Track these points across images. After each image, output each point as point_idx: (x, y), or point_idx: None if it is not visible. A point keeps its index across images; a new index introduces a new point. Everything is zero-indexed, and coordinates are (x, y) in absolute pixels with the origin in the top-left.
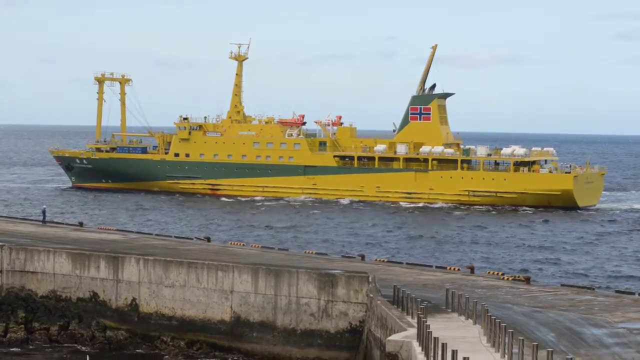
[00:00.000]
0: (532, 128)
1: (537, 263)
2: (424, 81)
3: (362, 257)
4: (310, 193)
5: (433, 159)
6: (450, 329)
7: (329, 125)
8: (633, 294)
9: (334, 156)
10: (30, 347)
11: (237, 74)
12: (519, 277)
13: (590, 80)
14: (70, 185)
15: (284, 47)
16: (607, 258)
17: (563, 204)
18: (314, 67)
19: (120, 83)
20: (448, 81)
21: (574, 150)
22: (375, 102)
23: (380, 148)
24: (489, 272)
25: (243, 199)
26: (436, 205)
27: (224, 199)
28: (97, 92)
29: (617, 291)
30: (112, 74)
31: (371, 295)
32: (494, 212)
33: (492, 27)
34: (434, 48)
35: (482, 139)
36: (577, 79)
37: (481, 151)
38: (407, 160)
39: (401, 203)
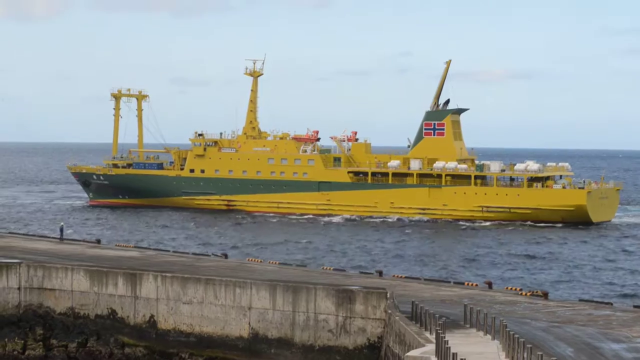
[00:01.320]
0: (548, 143)
1: (554, 278)
2: (438, 97)
3: (380, 273)
4: (324, 209)
5: (447, 175)
6: (469, 345)
7: (344, 141)
8: None
9: (348, 172)
10: None
11: (252, 90)
12: (537, 292)
13: (606, 94)
14: (87, 201)
15: (299, 63)
16: (625, 273)
17: (577, 220)
18: (330, 83)
19: (137, 99)
20: (463, 97)
21: (590, 165)
22: (390, 118)
23: (394, 164)
24: (507, 288)
25: (257, 215)
26: (451, 221)
27: (238, 215)
28: (114, 108)
29: (635, 306)
30: (129, 90)
31: (389, 311)
32: (510, 227)
33: (508, 43)
34: (448, 63)
35: (497, 155)
36: (592, 94)
37: (494, 167)
38: (421, 175)
39: (415, 218)
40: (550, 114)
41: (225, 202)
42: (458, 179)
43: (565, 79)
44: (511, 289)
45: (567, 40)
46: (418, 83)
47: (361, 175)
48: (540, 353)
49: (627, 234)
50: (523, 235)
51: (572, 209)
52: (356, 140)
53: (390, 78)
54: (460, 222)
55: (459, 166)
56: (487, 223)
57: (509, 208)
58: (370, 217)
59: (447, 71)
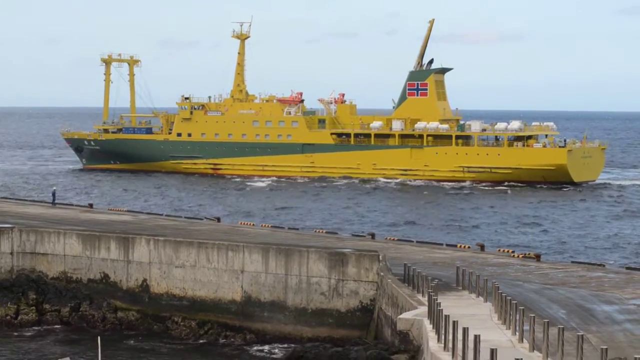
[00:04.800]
0: (537, 105)
1: (546, 240)
2: (421, 56)
3: (372, 236)
4: (308, 171)
5: (428, 135)
6: (461, 307)
7: (331, 103)
8: None
9: (331, 134)
10: (42, 328)
11: (239, 53)
12: (529, 254)
13: (597, 55)
14: (81, 167)
15: (287, 26)
16: (617, 234)
17: (558, 179)
18: (318, 45)
19: (128, 64)
20: (450, 58)
21: (577, 126)
22: (378, 80)
23: (376, 125)
24: (499, 250)
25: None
26: (433, 182)
27: (223, 178)
28: (104, 74)
29: (627, 267)
30: (119, 54)
31: (382, 274)
32: (496, 189)
33: (497, 4)
34: (431, 23)
35: (484, 116)
36: (581, 55)
37: (475, 126)
38: (403, 136)
39: (397, 180)
40: (539, 75)
41: (212, 166)
42: (440, 139)
43: (554, 40)
44: (504, 251)
45: (555, 1)
46: (406, 45)
47: (344, 136)
48: (532, 315)
49: (613, 195)
50: (512, 198)
51: (552, 168)
52: (343, 102)
53: (378, 40)
54: (443, 183)
55: (440, 126)
56: (467, 183)
57: (490, 168)
58: (349, 177)
59: (430, 31)
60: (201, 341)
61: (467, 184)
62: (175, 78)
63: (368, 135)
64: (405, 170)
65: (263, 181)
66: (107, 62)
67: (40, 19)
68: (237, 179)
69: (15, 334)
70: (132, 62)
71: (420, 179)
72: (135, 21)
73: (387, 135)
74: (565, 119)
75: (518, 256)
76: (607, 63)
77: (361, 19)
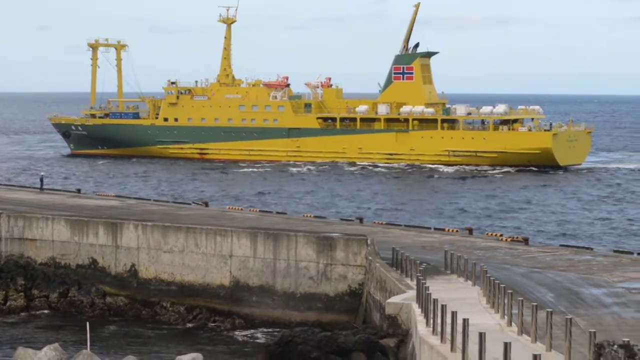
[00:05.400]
0: (524, 89)
1: (533, 224)
2: (407, 40)
3: (361, 220)
4: (294, 156)
5: (413, 119)
6: (450, 291)
7: (318, 87)
8: (632, 253)
9: (317, 118)
10: (31, 314)
11: (225, 37)
12: (517, 238)
13: (584, 41)
14: (69, 152)
15: (275, 11)
16: (604, 217)
17: (543, 163)
18: (305, 30)
19: (116, 49)
20: (438, 42)
21: (565, 110)
22: (365, 64)
23: (362, 109)
24: (487, 234)
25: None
26: (419, 166)
27: (205, 164)
28: (91, 59)
29: (615, 251)
30: (107, 39)
31: (370, 258)
32: (481, 173)
33: None
34: (417, 6)
35: (471, 100)
36: (570, 39)
37: (461, 110)
38: (388, 120)
39: (382, 164)
40: (525, 59)
41: (198, 151)
42: (425, 123)
43: (539, 24)
44: (492, 234)
45: None
46: (393, 29)
47: (330, 121)
48: (520, 299)
49: (599, 178)
50: (499, 182)
51: (538, 152)
52: (330, 86)
53: (365, 24)
54: (429, 167)
55: (425, 110)
56: (452, 169)
57: (475, 152)
58: (335, 162)
59: (416, 14)
60: (190, 326)
61: (452, 168)
62: (163, 63)
63: (354, 120)
64: (391, 154)
65: (254, 166)
66: (94, 47)
67: (31, 5)
68: (222, 164)
69: (4, 319)
70: (119, 47)
71: (406, 163)
72: (125, 8)
73: (373, 120)
74: (553, 102)
75: (506, 240)
76: (593, 47)
77: (348, 3)
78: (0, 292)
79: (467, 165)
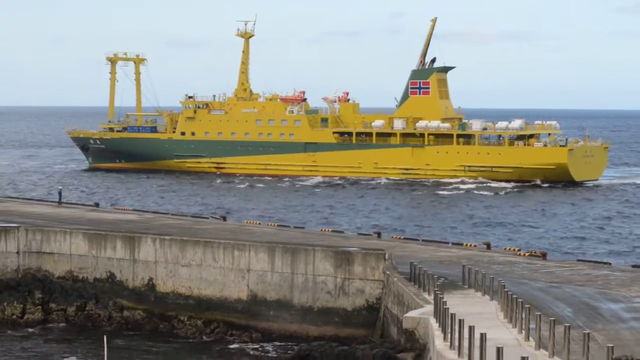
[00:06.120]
0: (542, 104)
1: (552, 238)
2: (424, 55)
3: (379, 235)
4: (310, 170)
5: (429, 134)
6: (467, 305)
7: (335, 102)
8: None
9: (333, 132)
10: (48, 328)
11: (243, 52)
12: (535, 252)
13: (601, 55)
14: (87, 166)
15: (292, 25)
16: (620, 233)
17: (558, 178)
18: (322, 44)
19: (134, 63)
20: (455, 56)
21: (580, 124)
22: (383, 79)
23: (378, 124)
24: (505, 248)
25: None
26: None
27: (219, 180)
28: (110, 72)
29: (633, 266)
30: (125, 53)
31: (388, 273)
32: (497, 189)
33: (502, 2)
34: (434, 21)
35: (489, 115)
36: (587, 54)
37: (476, 125)
38: (404, 135)
39: (398, 179)
40: (543, 73)
41: (215, 165)
42: (441, 138)
43: (558, 40)
44: (509, 249)
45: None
46: (411, 43)
47: (346, 135)
48: (538, 313)
49: (613, 194)
50: (515, 197)
51: (553, 167)
52: (347, 101)
53: (382, 38)
54: (444, 181)
55: (441, 125)
56: (470, 184)
57: (491, 167)
58: (346, 178)
59: (432, 29)
60: (207, 340)
61: (468, 183)
62: (181, 77)
63: (370, 134)
64: (407, 169)
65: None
66: (113, 61)
67: (45, 17)
68: (241, 178)
69: (22, 333)
70: (138, 61)
71: (422, 178)
72: (142, 21)
73: (389, 134)
74: (571, 117)
75: (524, 254)
76: (611, 62)
77: (366, 18)
78: (17, 305)
79: (483, 180)
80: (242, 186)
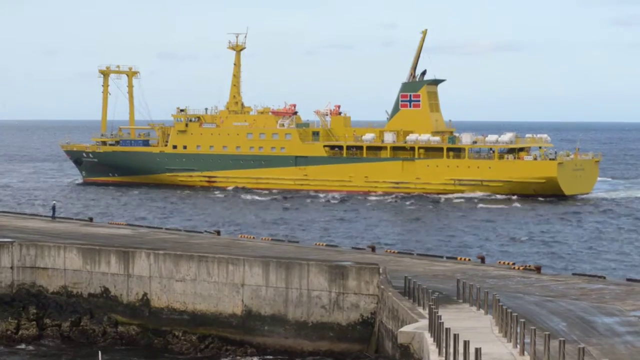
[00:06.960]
0: (533, 116)
1: (546, 253)
2: (414, 67)
3: (373, 249)
4: (301, 184)
5: (419, 147)
6: (462, 320)
7: (327, 115)
8: None
9: (324, 146)
10: (43, 343)
11: (235, 64)
12: (529, 266)
13: (592, 66)
14: (81, 180)
15: (283, 38)
16: (616, 246)
17: (548, 192)
18: (314, 57)
19: (127, 75)
20: (446, 69)
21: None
22: (374, 92)
23: (368, 137)
24: (499, 262)
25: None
26: (425, 195)
27: (217, 192)
28: (102, 85)
29: (628, 279)
30: (118, 66)
31: (382, 287)
32: (489, 202)
33: (492, 15)
34: (424, 33)
35: (479, 128)
36: (577, 65)
37: (466, 138)
38: (395, 149)
39: (388, 193)
40: (534, 85)
41: (207, 179)
42: (431, 151)
43: (550, 52)
44: (504, 263)
45: (551, 12)
46: (402, 56)
47: (337, 149)
48: (533, 328)
49: (605, 208)
50: (507, 211)
51: (543, 181)
52: (339, 114)
53: (374, 51)
54: (434, 196)
55: (431, 138)
56: (462, 198)
57: (481, 181)
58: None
59: (423, 41)
60: (201, 355)
61: (459, 196)
62: (173, 90)
63: (360, 148)
64: (397, 182)
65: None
66: (105, 74)
67: (39, 30)
68: (230, 190)
69: (16, 349)
70: (131, 74)
71: (412, 192)
72: (133, 34)
73: (379, 148)
74: (563, 130)
75: (518, 268)
76: (601, 73)
77: (357, 31)
78: (12, 321)
79: (473, 193)
80: (233, 199)
